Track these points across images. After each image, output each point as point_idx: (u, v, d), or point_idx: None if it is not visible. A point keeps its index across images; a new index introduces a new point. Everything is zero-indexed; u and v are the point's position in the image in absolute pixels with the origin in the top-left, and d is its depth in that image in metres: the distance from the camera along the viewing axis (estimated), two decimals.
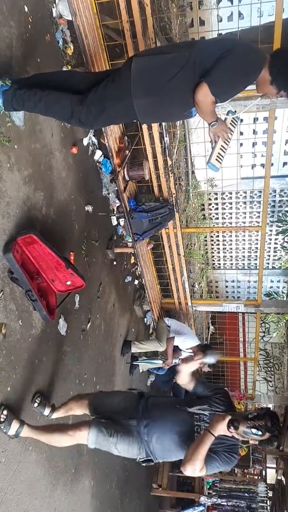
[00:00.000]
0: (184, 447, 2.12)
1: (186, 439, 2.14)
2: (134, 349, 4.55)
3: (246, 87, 2.08)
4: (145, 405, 2.31)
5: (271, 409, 2.22)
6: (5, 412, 2.15)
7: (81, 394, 2.57)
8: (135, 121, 2.27)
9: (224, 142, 2.30)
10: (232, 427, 2.03)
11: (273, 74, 1.97)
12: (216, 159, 2.33)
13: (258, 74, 2.00)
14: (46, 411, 2.51)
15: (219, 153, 2.32)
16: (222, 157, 2.35)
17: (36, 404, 2.46)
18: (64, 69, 2.89)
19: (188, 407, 2.26)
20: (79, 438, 2.21)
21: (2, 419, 2.12)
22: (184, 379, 2.34)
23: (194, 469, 2.02)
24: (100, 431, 2.20)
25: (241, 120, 5.19)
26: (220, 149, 2.31)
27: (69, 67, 2.96)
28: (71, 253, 2.99)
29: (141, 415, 2.26)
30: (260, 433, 2.02)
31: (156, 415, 2.24)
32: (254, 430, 2.02)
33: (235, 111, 2.35)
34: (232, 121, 2.33)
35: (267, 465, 6.21)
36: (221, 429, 2.04)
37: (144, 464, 2.30)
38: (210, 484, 5.70)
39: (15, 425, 2.17)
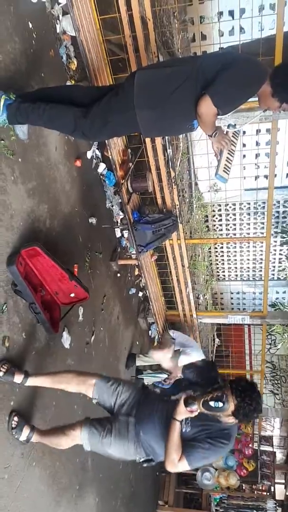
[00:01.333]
0: None
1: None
2: (138, 362, 4.50)
3: (248, 99, 2.09)
4: (141, 401, 2.22)
5: (240, 376, 2.05)
6: (16, 418, 2.14)
7: (82, 371, 2.37)
8: (138, 133, 2.29)
9: (229, 153, 2.32)
10: (189, 406, 1.88)
11: (274, 86, 1.98)
12: (224, 171, 2.34)
13: (260, 87, 2.01)
14: (17, 378, 2.13)
15: (225, 165, 2.33)
16: (229, 168, 2.36)
17: (1, 374, 2.07)
18: (68, 83, 2.93)
19: (172, 395, 2.15)
20: (74, 438, 2.15)
21: (13, 425, 2.11)
22: (166, 364, 2.31)
23: (172, 461, 1.91)
24: (91, 431, 2.12)
25: (244, 132, 5.22)
26: (226, 160, 2.32)
27: (73, 82, 3.00)
28: (75, 265, 2.98)
29: (136, 412, 2.18)
30: (220, 404, 1.84)
31: (145, 411, 2.16)
32: (212, 403, 1.85)
33: (235, 125, 2.37)
34: (233, 134, 2.33)
35: (276, 481, 6.07)
36: (181, 411, 1.91)
37: (145, 465, 2.18)
38: (218, 500, 5.57)
39: (26, 430, 2.16)
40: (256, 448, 5.69)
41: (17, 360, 2.22)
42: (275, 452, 6.21)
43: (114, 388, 2.24)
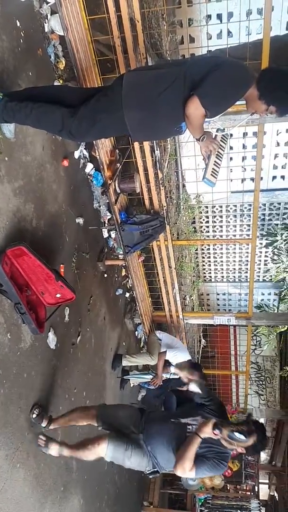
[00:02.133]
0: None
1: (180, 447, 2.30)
2: (125, 363, 4.50)
3: (236, 101, 2.10)
4: (146, 420, 2.52)
5: (258, 421, 2.38)
6: (42, 437, 2.50)
7: (85, 406, 2.78)
8: (125, 135, 2.27)
9: (217, 157, 2.33)
10: (216, 429, 2.21)
11: (260, 89, 2.01)
12: (212, 175, 2.33)
13: (246, 90, 2.03)
14: (44, 423, 2.58)
15: (213, 169, 2.33)
16: (217, 172, 2.35)
17: (34, 415, 2.51)
18: (56, 83, 2.92)
19: (181, 418, 2.45)
20: (99, 451, 2.44)
21: (40, 443, 2.49)
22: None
23: (184, 468, 2.21)
24: (117, 445, 2.42)
25: (231, 135, 5.27)
26: (214, 164, 2.32)
27: (61, 82, 2.99)
28: (61, 265, 2.96)
29: (143, 429, 2.47)
30: (243, 437, 2.19)
31: (153, 429, 2.45)
32: (237, 434, 2.19)
33: (224, 129, 2.38)
34: (222, 138, 2.34)
35: (260, 481, 6.13)
36: (207, 431, 2.23)
37: (151, 476, 2.51)
38: (202, 501, 5.59)
39: (55, 447, 2.52)
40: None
41: (2, 364, 2.20)
42: (248, 412, 6.26)
43: (116, 414, 2.64)
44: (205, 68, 1.98)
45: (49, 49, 2.82)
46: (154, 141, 3.54)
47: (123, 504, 4.62)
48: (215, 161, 2.32)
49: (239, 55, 3.48)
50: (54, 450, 2.51)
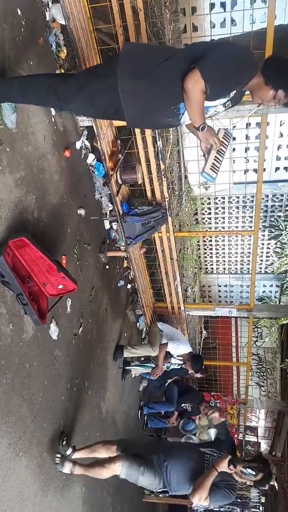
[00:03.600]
0: (193, 482, 2.59)
1: (196, 475, 2.59)
2: (126, 354, 4.52)
3: (238, 84, 1.97)
4: (164, 444, 2.90)
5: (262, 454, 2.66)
6: (58, 455, 2.70)
7: (107, 440, 3.02)
8: (118, 113, 2.03)
9: (218, 153, 2.20)
10: (232, 465, 2.52)
11: (266, 74, 1.93)
12: (211, 169, 2.20)
13: (251, 72, 1.94)
14: (69, 451, 2.84)
15: (213, 163, 2.20)
16: (218, 167, 2.23)
17: (64, 442, 2.83)
18: (57, 72, 2.89)
19: (201, 448, 2.77)
20: (114, 469, 2.67)
21: (57, 461, 2.70)
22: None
23: (201, 497, 2.49)
24: (131, 463, 2.67)
25: (234, 126, 5.23)
26: (215, 159, 2.19)
27: (62, 71, 2.96)
28: (63, 256, 2.97)
29: (161, 452, 2.73)
30: (254, 473, 2.49)
31: (174, 452, 2.74)
32: (249, 470, 2.50)
33: (227, 128, 2.30)
34: (224, 135, 2.23)
35: None
36: (223, 466, 2.52)
37: (161, 495, 2.83)
38: None
39: (68, 465, 2.74)
40: (241, 438, 5.78)
41: (4, 355, 2.22)
42: (259, 443, 6.34)
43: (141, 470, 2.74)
44: (208, 46, 1.90)
45: (50, 38, 2.79)
46: (157, 132, 3.52)
47: (124, 493, 4.68)
48: (216, 156, 2.20)
49: (243, 44, 3.43)
50: (67, 467, 2.73)
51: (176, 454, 2.74)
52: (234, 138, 5.35)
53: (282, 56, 1.98)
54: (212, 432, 2.93)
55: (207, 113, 2.07)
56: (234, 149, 5.74)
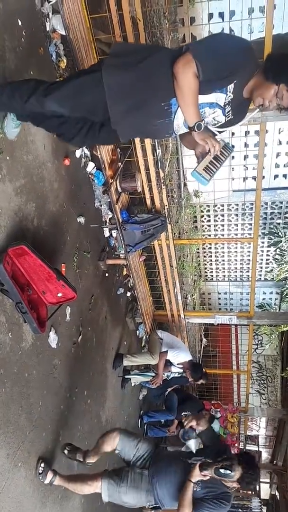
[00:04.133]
0: None
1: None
2: (126, 362, 4.50)
3: (234, 72, 1.74)
4: (156, 456, 2.61)
5: (247, 452, 2.47)
6: (42, 464, 2.53)
7: (107, 431, 2.81)
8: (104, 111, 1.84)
9: (216, 159, 1.92)
10: (203, 470, 2.32)
11: (267, 70, 1.77)
12: (204, 170, 1.89)
13: (248, 64, 1.77)
14: (80, 456, 2.74)
15: (208, 165, 1.90)
16: (212, 171, 1.92)
17: (66, 452, 2.77)
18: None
19: (188, 459, 2.53)
20: (95, 487, 2.52)
21: (40, 471, 2.51)
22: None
23: None
24: (110, 483, 2.49)
25: (233, 134, 5.26)
26: (211, 162, 1.91)
27: None
28: (63, 264, 2.97)
29: (153, 465, 2.55)
30: (228, 471, 2.27)
31: (162, 466, 2.53)
32: (222, 470, 2.29)
33: (228, 143, 2.06)
34: (224, 147, 1.95)
35: (261, 480, 6.12)
36: (196, 474, 2.34)
37: (153, 511, 2.57)
38: None
39: (49, 475, 2.55)
40: (242, 447, 5.74)
41: (3, 364, 2.21)
42: (260, 452, 6.28)
43: (136, 443, 2.65)
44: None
45: (50, 48, 2.82)
46: (156, 140, 3.53)
47: None
48: (212, 160, 1.90)
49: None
50: (48, 478, 2.56)
51: (163, 469, 2.53)
52: (233, 134, 5.32)
53: (283, 52, 1.82)
54: (192, 443, 2.68)
55: (204, 115, 1.85)
56: (233, 157, 5.76)
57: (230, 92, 1.80)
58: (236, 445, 5.58)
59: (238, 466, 2.29)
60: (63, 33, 2.83)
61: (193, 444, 2.67)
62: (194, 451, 2.66)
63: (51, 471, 2.58)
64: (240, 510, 5.38)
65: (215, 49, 1.73)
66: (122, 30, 3.02)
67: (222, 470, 2.28)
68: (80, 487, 2.59)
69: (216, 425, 5.56)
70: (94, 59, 3.14)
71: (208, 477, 2.33)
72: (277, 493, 7.71)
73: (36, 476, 2.51)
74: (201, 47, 1.72)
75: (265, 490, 7.74)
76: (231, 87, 1.78)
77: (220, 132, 1.92)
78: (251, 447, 6.05)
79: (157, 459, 2.60)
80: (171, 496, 2.47)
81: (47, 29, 2.77)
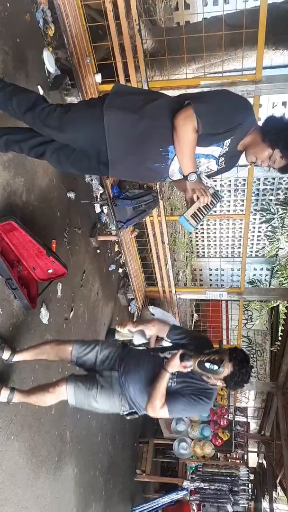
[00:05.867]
0: None
1: None
2: (118, 337, 4.53)
3: (233, 129, 1.81)
4: (124, 355, 2.29)
5: (241, 348, 2.11)
6: None
7: (60, 339, 2.45)
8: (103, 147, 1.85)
9: (205, 208, 1.94)
10: (184, 361, 1.99)
11: (265, 130, 1.84)
12: (193, 216, 1.93)
13: (247, 121, 1.83)
14: (5, 355, 2.25)
15: (196, 212, 1.93)
16: (200, 219, 1.96)
17: None
18: (45, 50, 2.80)
19: (160, 353, 2.23)
20: (59, 393, 2.17)
21: None
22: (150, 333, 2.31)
23: (153, 406, 2.03)
24: (77, 385, 2.16)
25: (222, 198, 5.08)
26: (199, 209, 1.93)
27: (50, 49, 2.87)
28: (53, 240, 2.93)
29: (120, 366, 2.23)
30: (216, 367, 1.96)
31: (131, 364, 2.23)
32: (208, 364, 1.98)
33: (216, 187, 2.08)
34: (213, 196, 1.96)
35: (249, 449, 6.33)
36: (175, 364, 2.02)
37: (129, 417, 2.26)
38: (193, 468, 5.78)
39: (5, 392, 2.16)
40: (231, 419, 5.89)
41: None
42: (249, 423, 6.45)
43: (92, 347, 2.31)
44: (202, 93, 1.87)
45: (37, 14, 2.70)
46: None
47: (116, 472, 4.77)
48: (200, 208, 1.93)
49: (236, 23, 3.36)
50: (3, 395, 2.16)
51: (134, 366, 2.21)
52: (222, 197, 5.22)
53: (282, 117, 1.86)
54: (137, 337, 2.27)
55: (199, 164, 1.92)
56: None
57: (226, 146, 1.88)
58: (225, 416, 5.72)
59: (229, 363, 1.98)
60: None
61: (137, 338, 2.29)
62: (138, 343, 2.31)
63: (7, 388, 2.20)
64: (228, 478, 5.57)
65: (216, 106, 1.79)
66: None
67: (207, 364, 1.98)
68: (42, 397, 2.20)
69: (207, 432, 5.67)
70: (83, 26, 3.02)
71: (188, 369, 2.03)
72: (264, 462, 8.02)
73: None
74: (203, 104, 1.76)
75: (253, 459, 8.02)
76: (227, 141, 1.86)
77: (208, 181, 1.96)
78: (240, 418, 6.22)
79: (126, 358, 2.27)
80: (142, 397, 2.14)
81: None
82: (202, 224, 7.51)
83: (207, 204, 1.91)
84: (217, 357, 1.99)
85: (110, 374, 2.22)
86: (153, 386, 2.04)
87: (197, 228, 1.98)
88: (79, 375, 2.27)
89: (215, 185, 2.06)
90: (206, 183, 1.93)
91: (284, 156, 1.83)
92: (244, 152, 1.97)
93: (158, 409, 2.04)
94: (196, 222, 1.94)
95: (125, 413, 2.23)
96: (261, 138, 1.84)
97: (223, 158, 1.95)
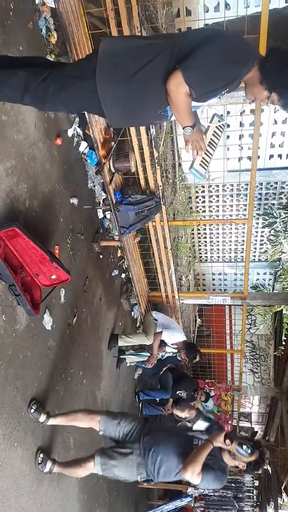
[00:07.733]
0: (183, 463, 2.41)
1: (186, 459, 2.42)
2: (121, 343, 4.53)
3: (228, 83, 1.73)
4: (149, 429, 2.63)
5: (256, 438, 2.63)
6: (41, 454, 2.60)
7: (90, 409, 2.91)
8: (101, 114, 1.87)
9: (210, 146, 1.99)
10: (228, 440, 2.40)
11: (263, 71, 1.70)
12: (201, 165, 1.99)
13: (244, 68, 1.71)
14: (42, 418, 2.62)
15: (203, 158, 1.99)
16: (207, 163, 2.02)
17: (32, 410, 2.54)
18: (48, 58, 2.82)
19: (188, 432, 2.61)
20: (89, 468, 2.60)
21: (39, 461, 2.58)
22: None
23: (194, 471, 2.31)
24: (102, 456, 2.57)
25: (228, 113, 5.17)
26: (205, 153, 1.98)
27: (53, 56, 2.89)
28: (56, 246, 2.94)
29: (145, 438, 2.57)
30: (249, 451, 2.39)
31: (160, 439, 2.56)
32: (244, 447, 2.39)
33: (221, 115, 2.09)
34: (218, 127, 2.00)
35: None
36: (219, 440, 2.40)
37: (145, 484, 2.70)
38: None
39: (49, 464, 2.63)
40: (235, 424, 5.86)
41: None
42: (253, 428, 6.42)
43: (117, 423, 2.68)
44: (197, 39, 1.68)
45: (40, 22, 2.72)
46: None
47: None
48: (206, 150, 1.97)
49: (237, 29, 3.38)
50: (47, 467, 2.63)
51: (163, 441, 2.56)
52: (228, 125, 5.28)
53: (286, 50, 1.73)
54: (202, 423, 2.68)
55: (196, 108, 1.87)
56: (228, 136, 5.69)
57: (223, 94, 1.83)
58: (229, 422, 5.70)
59: (257, 450, 2.42)
60: (53, 6, 2.73)
61: (201, 424, 2.71)
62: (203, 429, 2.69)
63: (50, 460, 2.65)
64: (233, 484, 5.54)
65: (208, 67, 1.68)
66: (114, 3, 2.91)
67: (244, 447, 2.39)
68: (75, 471, 2.68)
69: (210, 403, 5.68)
70: (85, 33, 3.04)
71: (228, 447, 2.42)
72: (269, 468, 7.94)
73: (36, 466, 2.57)
74: (193, 71, 1.66)
75: None
76: (227, 89, 1.79)
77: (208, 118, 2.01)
78: (244, 424, 6.19)
79: (152, 431, 2.63)
80: (168, 468, 2.49)
81: (37, 2, 2.67)
82: (204, 229, 7.50)
83: (212, 140, 1.94)
84: (251, 443, 2.43)
85: (132, 446, 2.57)
86: (197, 453, 2.36)
87: (205, 177, 2.06)
88: (107, 448, 2.65)
89: (218, 113, 2.08)
90: (208, 126, 1.98)
91: (281, 97, 1.75)
92: (243, 83, 1.86)
93: (197, 473, 2.32)
94: (205, 168, 2.02)
95: (142, 479, 2.59)
96: (259, 80, 1.73)
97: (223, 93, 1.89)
